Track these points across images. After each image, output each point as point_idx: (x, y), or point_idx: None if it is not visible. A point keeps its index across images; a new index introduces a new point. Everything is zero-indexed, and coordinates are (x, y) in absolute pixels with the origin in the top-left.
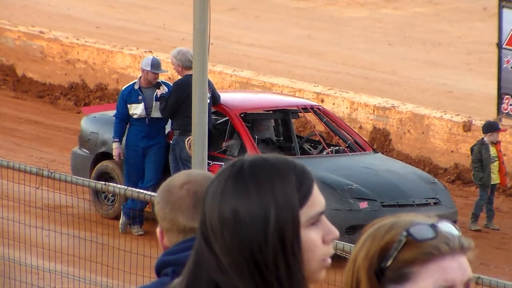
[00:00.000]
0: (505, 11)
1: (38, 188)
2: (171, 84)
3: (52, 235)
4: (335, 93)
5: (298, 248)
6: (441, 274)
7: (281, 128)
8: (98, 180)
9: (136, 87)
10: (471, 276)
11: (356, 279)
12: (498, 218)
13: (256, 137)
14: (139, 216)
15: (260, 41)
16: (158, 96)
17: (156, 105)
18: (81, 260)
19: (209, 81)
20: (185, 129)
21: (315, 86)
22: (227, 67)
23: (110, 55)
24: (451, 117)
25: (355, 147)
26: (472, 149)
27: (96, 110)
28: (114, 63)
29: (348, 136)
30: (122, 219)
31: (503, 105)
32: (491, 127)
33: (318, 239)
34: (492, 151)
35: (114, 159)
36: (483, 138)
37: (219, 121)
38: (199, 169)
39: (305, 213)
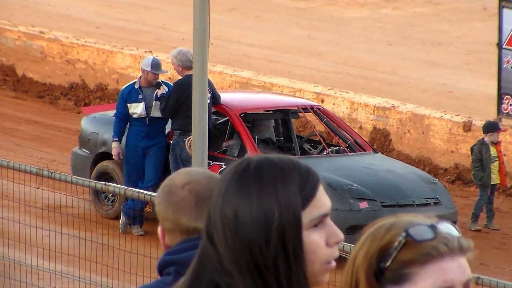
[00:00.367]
0: (505, 11)
1: (38, 188)
2: (171, 84)
3: (52, 235)
4: (335, 93)
5: (299, 249)
6: (440, 274)
7: (281, 128)
8: (98, 180)
9: (136, 86)
10: (470, 277)
11: (355, 279)
12: (498, 218)
13: (256, 137)
14: (139, 216)
15: (260, 41)
16: (158, 96)
17: (156, 104)
18: (81, 260)
19: (209, 81)
20: (185, 129)
21: (315, 86)
22: (227, 67)
23: (110, 55)
24: (451, 117)
25: (355, 147)
26: (472, 149)
27: (96, 110)
28: (114, 63)
29: (348, 136)
30: (122, 219)
31: (503, 105)
32: (491, 127)
33: (321, 241)
34: (492, 151)
35: (114, 159)
36: (483, 138)
37: (219, 121)
38: (198, 167)
39: (308, 214)
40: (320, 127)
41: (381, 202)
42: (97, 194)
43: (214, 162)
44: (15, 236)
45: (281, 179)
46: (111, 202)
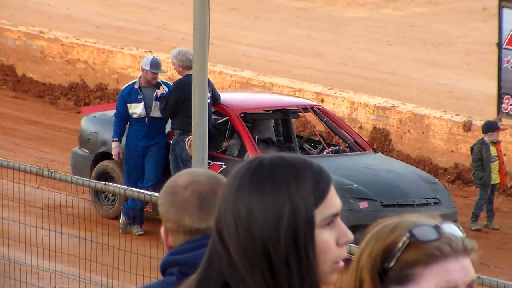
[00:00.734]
0: (505, 11)
1: (38, 188)
2: (171, 84)
3: (52, 235)
4: (335, 93)
5: (311, 247)
6: (443, 275)
7: (281, 128)
8: (98, 180)
9: (136, 86)
10: (474, 278)
11: (359, 278)
12: (498, 218)
13: (256, 137)
14: (139, 216)
15: (260, 41)
16: (158, 96)
17: (156, 104)
18: (81, 260)
19: (209, 81)
20: (185, 129)
21: (315, 86)
22: (227, 67)
23: (110, 55)
24: (451, 117)
25: (355, 147)
26: (472, 149)
27: (96, 110)
28: (114, 63)
29: (348, 136)
30: (122, 219)
31: (503, 105)
32: (491, 127)
33: (331, 241)
34: (492, 150)
35: (114, 158)
36: (483, 137)
37: (219, 121)
38: (201, 168)
39: (320, 213)
40: (320, 127)
41: (381, 202)
42: (97, 194)
43: (214, 162)
44: (15, 236)
45: (294, 178)
46: (111, 202)
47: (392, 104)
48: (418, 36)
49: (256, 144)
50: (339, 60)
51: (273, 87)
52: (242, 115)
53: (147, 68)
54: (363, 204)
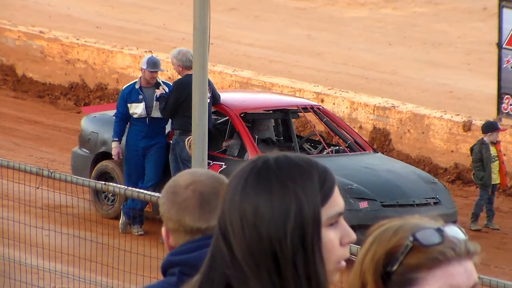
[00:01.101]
0: (505, 11)
1: (38, 188)
2: (171, 84)
3: (52, 235)
4: (335, 93)
5: (318, 247)
6: (447, 279)
7: (281, 128)
8: (98, 180)
9: (137, 86)
10: (477, 281)
11: (362, 281)
12: (498, 218)
13: (256, 137)
14: (139, 216)
15: (260, 41)
16: (158, 96)
17: (156, 105)
18: (81, 260)
19: (209, 81)
20: (185, 129)
21: (315, 86)
22: (227, 67)
23: (110, 55)
24: (451, 117)
25: (355, 147)
26: (472, 149)
27: (96, 110)
28: (114, 63)
29: (348, 136)
30: (122, 219)
31: (503, 105)
32: (490, 127)
33: (336, 240)
34: (492, 150)
35: (113, 158)
36: (482, 138)
37: (219, 121)
38: (199, 167)
39: (326, 213)
40: (320, 127)
41: (381, 202)
42: (97, 194)
43: (214, 162)
44: (15, 236)
45: (301, 177)
46: (111, 202)
47: (392, 104)
48: (418, 36)
49: (256, 144)
50: (339, 60)
51: (273, 87)
52: (242, 115)
53: (144, 67)
54: (363, 204)
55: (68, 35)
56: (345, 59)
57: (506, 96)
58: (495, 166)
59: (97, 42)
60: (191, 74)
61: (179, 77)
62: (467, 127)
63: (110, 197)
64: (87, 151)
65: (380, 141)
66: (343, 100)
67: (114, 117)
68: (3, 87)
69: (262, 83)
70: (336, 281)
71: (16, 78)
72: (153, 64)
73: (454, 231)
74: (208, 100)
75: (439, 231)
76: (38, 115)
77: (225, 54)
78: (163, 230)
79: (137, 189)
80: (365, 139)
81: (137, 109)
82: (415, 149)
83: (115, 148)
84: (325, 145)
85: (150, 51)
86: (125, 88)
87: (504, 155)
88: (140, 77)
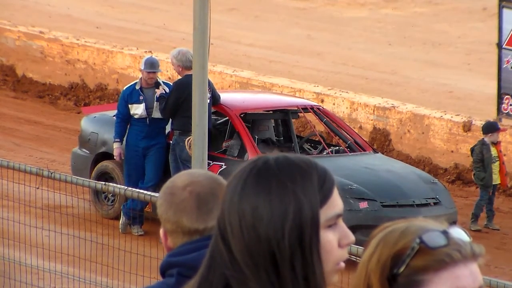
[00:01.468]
0: (505, 11)
1: (38, 188)
2: (171, 84)
3: (52, 235)
4: (335, 93)
5: (316, 247)
6: (453, 282)
7: (281, 128)
8: (98, 180)
9: (137, 87)
10: (482, 283)
11: (367, 283)
12: (498, 218)
13: (256, 137)
14: (139, 216)
15: (260, 41)
16: (158, 96)
17: (156, 105)
18: (81, 260)
19: (209, 81)
20: (185, 129)
21: (315, 86)
22: (227, 67)
23: (110, 55)
24: (451, 117)
25: (355, 147)
26: (472, 150)
27: (96, 110)
28: (114, 63)
29: (348, 136)
30: (122, 219)
31: (503, 105)
32: (491, 128)
33: (334, 242)
34: (493, 151)
35: (114, 159)
36: (483, 138)
37: (219, 121)
38: (200, 169)
39: (324, 214)
40: (320, 127)
41: (381, 202)
42: (97, 194)
43: (214, 162)
44: (15, 236)
45: (301, 177)
46: (111, 202)
47: (392, 104)
48: (418, 36)
49: (256, 144)
50: (339, 60)
51: (273, 87)
52: (242, 115)
53: (142, 67)
54: (363, 204)
55: (68, 35)
56: (345, 59)
57: (506, 96)
58: (495, 167)
59: (97, 42)
60: (191, 74)
61: (179, 77)
62: (467, 127)
63: (110, 197)
64: (87, 152)
65: (380, 141)
66: (343, 100)
67: (115, 118)
68: (3, 87)
69: (262, 83)
70: (335, 281)
71: (16, 78)
72: (151, 65)
73: (459, 233)
74: (208, 101)
75: (445, 233)
76: (38, 115)
77: (225, 54)
78: (161, 231)
79: (137, 190)
80: (365, 139)
81: (137, 109)
82: (415, 149)
83: (116, 148)
84: (325, 145)
85: (150, 51)
86: (125, 89)
87: (504, 155)
88: (141, 78)
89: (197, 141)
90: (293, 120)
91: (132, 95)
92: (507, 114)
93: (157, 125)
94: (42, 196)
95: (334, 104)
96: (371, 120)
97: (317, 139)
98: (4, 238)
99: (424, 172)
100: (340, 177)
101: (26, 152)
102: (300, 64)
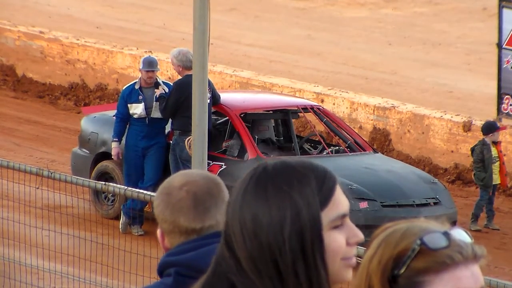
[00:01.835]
0: (505, 11)
1: (38, 188)
2: (171, 84)
3: (52, 235)
4: (335, 93)
5: (319, 250)
6: (454, 283)
7: (281, 128)
8: (98, 180)
9: (137, 87)
10: (483, 285)
11: (368, 284)
12: (498, 218)
13: (256, 137)
14: (139, 216)
15: (260, 41)
16: (158, 96)
17: (156, 105)
18: (81, 260)
19: (209, 81)
20: (185, 129)
21: (315, 86)
22: (227, 67)
23: (110, 55)
24: (451, 117)
25: (355, 147)
26: (472, 150)
27: (96, 110)
28: (114, 63)
29: (348, 136)
30: (122, 219)
31: (503, 105)
32: (491, 128)
33: (342, 242)
34: (494, 151)
35: (113, 159)
36: (483, 138)
37: (219, 121)
38: (198, 169)
39: (327, 215)
40: (320, 127)
41: (381, 202)
42: (97, 194)
43: (214, 162)
44: (15, 236)
45: (297, 181)
46: (111, 202)
47: (392, 104)
48: (418, 36)
49: (256, 145)
50: (339, 60)
51: (273, 87)
52: (242, 115)
53: (141, 67)
54: (363, 204)
55: (68, 35)
56: (345, 59)
57: (506, 96)
58: (496, 167)
59: (97, 42)
60: (191, 74)
61: (179, 77)
62: (467, 127)
63: (110, 197)
64: (87, 151)
65: (380, 141)
66: (343, 100)
67: (114, 117)
68: (3, 87)
69: (262, 83)
70: (350, 279)
71: (16, 78)
72: (149, 64)
73: (461, 235)
74: (208, 101)
75: (446, 234)
76: (38, 115)
77: (225, 54)
78: (158, 231)
79: (137, 189)
80: (365, 139)
81: (137, 109)
82: (415, 149)
83: (114, 148)
84: (325, 145)
85: (150, 51)
86: (125, 88)
87: (504, 155)
88: (140, 78)
89: (197, 141)
90: (293, 120)
91: (131, 94)
92: (507, 114)
93: (156, 125)
94: (42, 196)
95: (334, 104)
96: (371, 120)
97: (317, 139)
98: (4, 238)
99: (424, 172)
100: (340, 177)
101: (26, 152)
102: (300, 64)
